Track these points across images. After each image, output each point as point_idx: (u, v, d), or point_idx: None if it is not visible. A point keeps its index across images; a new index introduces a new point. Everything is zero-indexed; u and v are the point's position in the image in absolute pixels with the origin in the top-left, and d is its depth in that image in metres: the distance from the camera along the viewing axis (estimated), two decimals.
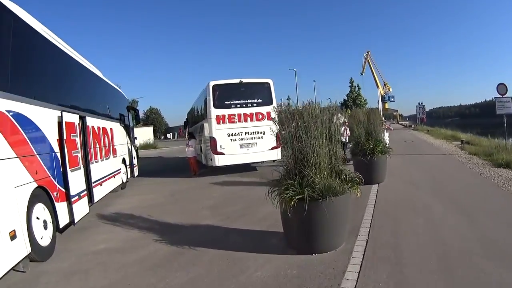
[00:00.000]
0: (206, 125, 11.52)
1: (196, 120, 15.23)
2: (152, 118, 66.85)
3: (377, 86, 44.36)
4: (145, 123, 57.33)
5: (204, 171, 12.30)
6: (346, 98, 38.35)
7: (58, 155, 5.43)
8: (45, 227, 4.66)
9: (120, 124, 10.07)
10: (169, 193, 9.06)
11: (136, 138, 24.59)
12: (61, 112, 5.52)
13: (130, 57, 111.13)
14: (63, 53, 6.12)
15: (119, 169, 9.42)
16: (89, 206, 6.66)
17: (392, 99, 44.40)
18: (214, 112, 10.92)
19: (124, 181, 10.09)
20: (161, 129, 70.63)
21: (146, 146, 33.26)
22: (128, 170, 10.72)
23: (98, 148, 7.68)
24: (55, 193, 5.08)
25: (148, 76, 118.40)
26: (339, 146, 4.83)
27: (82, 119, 6.90)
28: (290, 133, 4.75)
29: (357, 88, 40.91)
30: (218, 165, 10.97)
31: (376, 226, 5.04)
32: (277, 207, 4.39)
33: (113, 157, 8.92)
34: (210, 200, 7.84)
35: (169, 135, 70.61)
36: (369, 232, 4.79)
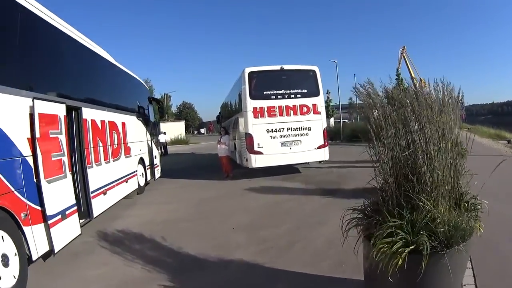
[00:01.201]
0: (241, 120, 9.75)
1: (230, 114, 13.52)
2: (185, 113, 66.67)
3: (413, 82, 42.63)
4: (178, 118, 57.27)
5: (238, 172, 10.46)
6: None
7: (30, 160, 3.75)
8: (5, 264, 3.20)
9: (137, 117, 8.41)
10: (193, 203, 7.25)
11: (164, 133, 23.60)
12: (33, 100, 3.81)
13: (164, 49, 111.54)
14: (32, 15, 4.26)
15: (134, 172, 7.77)
16: (87, 222, 5.23)
17: None
18: (250, 103, 9.15)
19: (142, 184, 8.46)
20: (194, 124, 70.44)
21: (177, 141, 32.23)
22: (148, 171, 9.09)
23: (101, 148, 6.02)
24: (23, 214, 3.55)
25: (182, 69, 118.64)
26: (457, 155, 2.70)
27: (77, 110, 5.24)
28: (390, 132, 2.65)
29: (404, 81, 37.45)
30: (255, 166, 9.21)
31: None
32: (357, 250, 2.66)
33: (126, 157, 7.26)
34: (245, 216, 5.91)
35: (202, 130, 70.19)
36: None
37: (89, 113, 5.61)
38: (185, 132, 39.82)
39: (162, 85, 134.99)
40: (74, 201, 4.67)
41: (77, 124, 5.30)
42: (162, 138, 22.31)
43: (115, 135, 6.73)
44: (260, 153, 9.20)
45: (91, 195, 5.43)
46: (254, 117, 9.14)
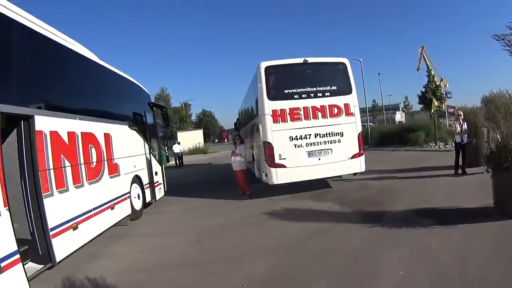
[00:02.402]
0: (258, 126, 8.02)
1: (247, 119, 11.73)
2: (205, 121, 66.05)
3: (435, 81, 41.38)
4: (198, 126, 56.59)
5: (256, 187, 8.73)
6: (424, 90, 32.33)
7: None
8: None
9: (130, 127, 6.93)
10: (196, 235, 5.59)
11: (179, 143, 22.34)
12: None
13: (187, 56, 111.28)
14: None
15: (125, 194, 6.28)
16: (47, 269, 3.98)
17: (450, 95, 39.07)
18: (268, 105, 7.50)
19: (138, 208, 6.96)
20: (215, 132, 69.72)
21: (195, 151, 30.93)
22: (148, 191, 7.58)
23: (69, 168, 4.53)
24: None
25: (202, 78, 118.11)
26: None
27: (28, 120, 3.79)
28: None
29: (435, 78, 35.43)
30: (276, 183, 7.50)
31: None
32: None
33: (111, 177, 5.78)
34: (262, 260, 4.20)
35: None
36: None
37: (47, 123, 4.14)
38: (204, 141, 38.55)
39: (182, 93, 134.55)
40: (14, 248, 3.20)
41: (28, 138, 3.84)
42: (176, 149, 21.11)
43: (93, 150, 5.25)
44: (282, 166, 7.46)
45: (51, 232, 4.00)
46: (273, 122, 7.47)
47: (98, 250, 5.02)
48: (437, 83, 35.55)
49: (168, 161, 22.31)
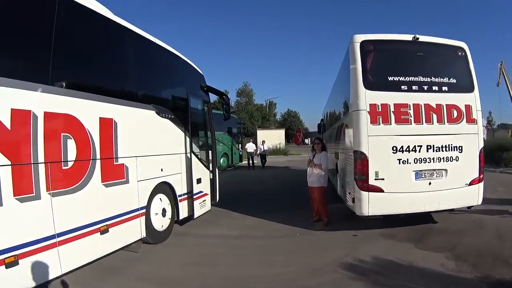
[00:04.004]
0: (348, 127, 5.77)
1: (333, 119, 9.07)
2: (290, 121, 64.03)
3: None
4: (282, 125, 55.00)
5: (335, 212, 6.20)
6: None
7: None
8: None
9: (159, 113, 4.94)
10: None
11: (263, 142, 20.31)
12: None
13: (274, 50, 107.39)
14: None
15: (135, 210, 4.33)
16: None
17: None
18: (365, 96, 5.08)
19: (159, 229, 4.98)
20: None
21: (275, 151, 28.93)
22: (183, 204, 5.55)
23: (8, 168, 2.61)
24: None
25: (291, 76, 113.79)
26: None
27: None
28: None
29: None
30: (366, 214, 5.02)
31: None
32: None
33: (108, 184, 3.85)
34: None
35: (307, 141, 66.20)
36: None
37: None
38: (285, 142, 36.33)
39: (266, 90, 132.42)
40: None
41: None
42: (250, 148, 19.22)
43: (71, 142, 3.32)
44: (379, 190, 4.90)
45: None
46: (371, 123, 5.01)
47: None
48: None
49: (241, 160, 20.83)
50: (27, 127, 2.92)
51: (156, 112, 4.88)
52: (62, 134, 3.23)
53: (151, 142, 4.75)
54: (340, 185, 6.84)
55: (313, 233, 5.54)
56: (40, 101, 3.05)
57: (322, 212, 6.06)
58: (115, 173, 3.93)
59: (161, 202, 5.01)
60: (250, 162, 18.64)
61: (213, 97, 7.65)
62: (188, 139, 5.74)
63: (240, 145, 20.24)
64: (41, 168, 3.00)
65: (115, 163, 3.92)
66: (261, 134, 31.24)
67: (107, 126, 3.81)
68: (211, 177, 6.62)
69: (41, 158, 3.00)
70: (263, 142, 19.48)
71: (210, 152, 6.64)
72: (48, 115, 3.08)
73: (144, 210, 4.50)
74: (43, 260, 2.99)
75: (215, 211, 6.91)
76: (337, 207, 6.31)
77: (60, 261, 3.17)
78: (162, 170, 4.97)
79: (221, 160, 16.93)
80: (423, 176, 5.06)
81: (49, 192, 3.06)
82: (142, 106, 4.55)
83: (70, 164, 3.30)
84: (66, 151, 3.26)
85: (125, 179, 4.09)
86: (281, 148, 31.51)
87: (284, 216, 6.48)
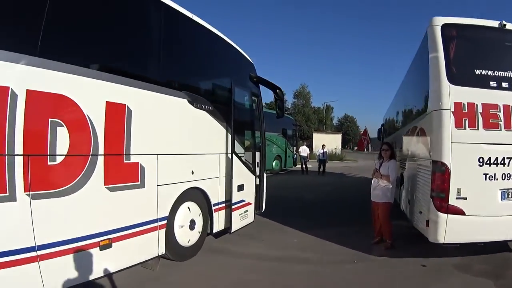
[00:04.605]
0: (425, 131, 4.72)
1: (400, 122, 7.67)
2: (346, 126, 61.10)
3: None
4: (338, 130, 52.79)
5: (398, 230, 5.21)
6: None
7: None
8: None
9: (193, 103, 4.05)
10: None
11: (323, 146, 18.64)
12: None
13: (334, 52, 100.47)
14: None
15: (152, 222, 3.47)
16: None
17: None
18: (449, 92, 4.05)
19: (184, 244, 4.09)
20: (355, 139, 64.28)
21: (330, 156, 27.11)
22: (219, 215, 4.63)
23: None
24: None
25: (350, 80, 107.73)
26: None
27: None
28: None
29: None
30: (443, 242, 3.99)
31: None
32: None
33: (113, 188, 3.02)
34: None
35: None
36: None
37: None
38: (343, 147, 34.22)
39: (323, 93, 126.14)
40: None
41: None
42: (303, 152, 17.94)
43: (62, 132, 2.55)
44: (460, 212, 3.96)
45: None
46: (456, 126, 4.03)
47: None
48: None
49: (295, 164, 19.58)
50: (2, 108, 2.20)
51: (189, 101, 3.99)
52: (50, 119, 2.45)
53: (179, 137, 3.88)
54: (405, 199, 5.79)
55: (374, 260, 4.41)
56: (23, 76, 2.31)
57: (385, 232, 4.90)
58: (125, 174, 3.09)
59: (189, 212, 4.10)
60: (304, 166, 17.35)
61: (267, 98, 6.62)
62: (230, 137, 4.77)
63: (294, 148, 19.03)
64: (18, 161, 2.26)
65: (125, 162, 3.08)
66: (317, 137, 30.14)
67: (117, 113, 2.99)
68: (257, 184, 5.62)
69: (18, 148, 2.26)
70: (323, 146, 17.89)
71: (258, 154, 5.65)
72: (32, 94, 2.33)
73: (165, 222, 3.63)
74: (18, 278, 2.27)
75: (259, 222, 5.91)
76: (401, 225, 5.28)
77: (43, 280, 2.43)
78: (193, 173, 4.07)
79: (274, 163, 15.85)
80: (510, 196, 4.06)
81: (27, 193, 2.31)
82: (169, 92, 3.67)
83: (59, 159, 2.52)
84: (54, 142, 2.47)
85: (139, 182, 3.24)
86: (336, 153, 29.69)
87: (339, 234, 5.40)
